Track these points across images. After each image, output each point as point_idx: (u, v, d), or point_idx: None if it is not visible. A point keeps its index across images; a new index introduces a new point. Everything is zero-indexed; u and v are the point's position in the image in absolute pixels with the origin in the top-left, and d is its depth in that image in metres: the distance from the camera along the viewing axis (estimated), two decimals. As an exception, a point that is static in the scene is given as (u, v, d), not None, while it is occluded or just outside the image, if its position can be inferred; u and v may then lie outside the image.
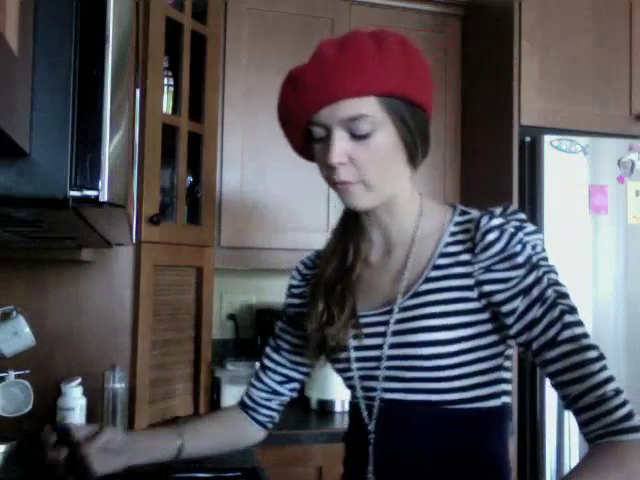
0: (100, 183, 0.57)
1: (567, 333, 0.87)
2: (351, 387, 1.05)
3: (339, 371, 1.07)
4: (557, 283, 0.91)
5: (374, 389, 1.00)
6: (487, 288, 0.92)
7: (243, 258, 2.18)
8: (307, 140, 0.98)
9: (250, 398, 1.20)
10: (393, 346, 0.97)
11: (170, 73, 2.00)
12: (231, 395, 2.02)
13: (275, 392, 1.19)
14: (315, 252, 1.18)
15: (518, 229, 0.93)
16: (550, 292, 0.89)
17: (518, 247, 0.90)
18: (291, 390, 1.20)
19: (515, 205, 2.03)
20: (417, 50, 0.96)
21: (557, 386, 0.89)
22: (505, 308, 0.91)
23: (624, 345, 2.03)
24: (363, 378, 1.01)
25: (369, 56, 0.90)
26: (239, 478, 1.51)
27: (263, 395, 1.19)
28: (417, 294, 0.96)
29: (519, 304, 0.90)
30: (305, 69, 0.94)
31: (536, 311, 0.89)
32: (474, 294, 0.93)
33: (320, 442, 1.86)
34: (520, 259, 0.90)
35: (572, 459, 1.95)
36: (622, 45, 2.20)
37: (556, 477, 1.96)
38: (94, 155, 0.56)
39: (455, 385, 0.94)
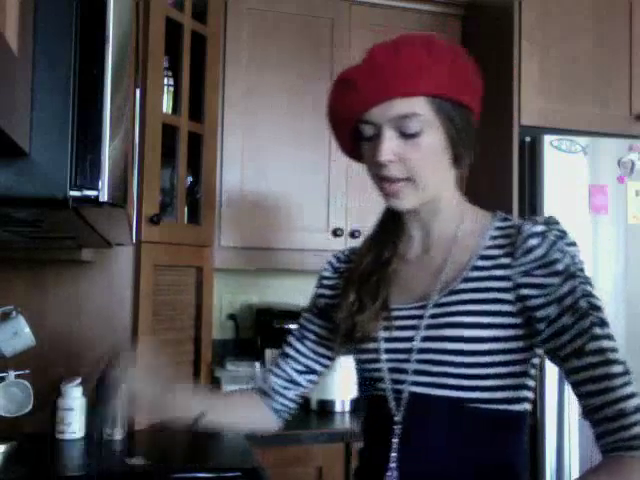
0: (100, 183, 0.56)
1: (594, 345, 0.88)
2: (377, 379, 1.05)
3: (366, 362, 1.06)
4: (591, 295, 0.91)
5: (403, 381, 1.00)
6: (524, 292, 0.93)
7: (243, 258, 2.17)
8: (356, 140, 1.01)
9: (267, 384, 1.20)
10: (425, 339, 0.97)
11: (170, 73, 2.00)
12: (231, 395, 2.01)
13: (293, 382, 1.19)
14: (351, 248, 1.19)
15: (559, 238, 0.94)
16: (583, 303, 0.90)
17: (558, 254, 0.92)
18: (309, 382, 1.20)
19: (515, 205, 2.03)
20: (465, 54, 1.00)
21: (579, 396, 0.90)
22: (539, 313, 0.92)
23: (624, 345, 2.01)
24: (392, 370, 1.02)
25: (421, 58, 0.93)
26: (239, 478, 1.51)
27: (281, 383, 1.19)
28: (454, 292, 0.97)
29: (552, 311, 0.91)
30: (357, 71, 0.98)
31: (567, 319, 0.90)
32: (511, 297, 0.94)
33: (320, 442, 1.86)
34: (559, 266, 0.91)
35: (572, 459, 1.96)
36: (622, 45, 2.20)
37: (556, 477, 1.96)
38: (94, 155, 0.56)
39: (481, 384, 0.94)
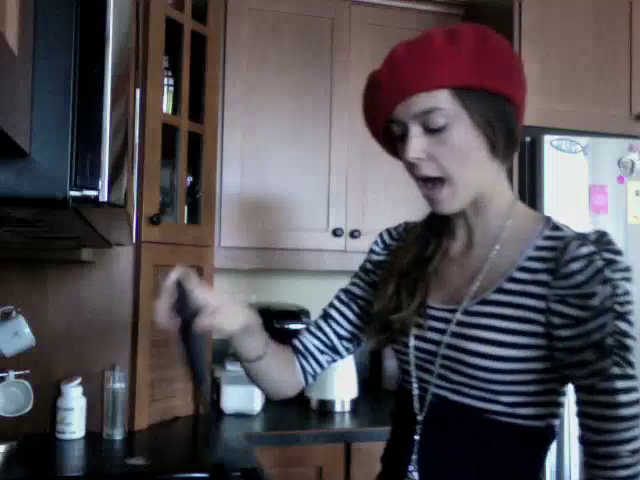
0: (100, 183, 0.56)
1: (607, 385, 0.85)
2: (406, 372, 1.04)
3: (398, 353, 1.06)
4: (623, 333, 0.86)
5: (428, 382, 0.99)
6: (555, 320, 0.89)
7: (243, 258, 2.17)
8: (393, 140, 0.99)
9: (302, 344, 1.16)
10: (448, 347, 0.96)
11: (170, 73, 2.00)
12: (231, 395, 2.02)
13: (332, 347, 1.15)
14: (404, 225, 1.16)
15: (607, 264, 0.87)
16: (610, 341, 0.85)
17: (598, 287, 0.85)
18: (346, 350, 1.16)
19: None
20: (499, 39, 0.94)
21: (580, 423, 0.89)
22: (563, 344, 0.88)
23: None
24: (419, 368, 1.01)
25: (439, 49, 0.89)
26: (239, 478, 1.51)
27: (317, 344, 1.15)
28: (485, 302, 0.94)
29: (576, 344, 0.87)
30: (378, 72, 0.97)
31: (589, 355, 0.86)
32: (543, 318, 0.90)
33: (320, 442, 1.86)
34: (596, 301, 0.85)
35: (572, 461, 1.95)
36: (622, 45, 2.20)
37: (556, 477, 1.96)
38: (94, 155, 0.56)
39: (500, 399, 0.93)
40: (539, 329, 0.90)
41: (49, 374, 1.78)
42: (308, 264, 2.19)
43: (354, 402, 2.12)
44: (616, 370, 0.85)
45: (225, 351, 2.08)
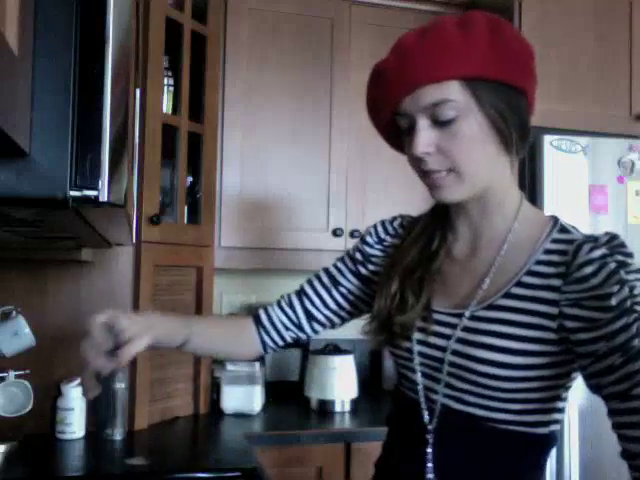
0: (100, 183, 0.56)
1: None
2: (409, 379, 1.01)
3: (399, 358, 1.02)
4: None
5: (436, 391, 0.96)
6: (570, 324, 0.85)
7: (243, 258, 2.17)
8: (398, 134, 0.95)
9: (268, 317, 1.14)
10: (455, 353, 0.92)
11: (170, 73, 2.00)
12: (231, 395, 2.02)
13: (298, 325, 1.13)
14: (400, 220, 1.12)
15: (620, 265, 0.83)
16: (637, 342, 0.81)
17: (615, 288, 0.82)
18: (314, 331, 1.15)
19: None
20: (512, 28, 0.91)
21: (619, 437, 0.83)
22: (584, 349, 0.84)
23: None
24: (425, 376, 0.98)
25: (449, 39, 0.86)
26: (239, 478, 1.51)
27: (284, 320, 1.13)
28: (492, 307, 0.91)
29: (600, 347, 0.82)
30: (385, 61, 0.92)
31: (616, 359, 0.81)
32: (554, 324, 0.86)
33: (320, 442, 1.86)
34: (613, 301, 0.81)
35: (572, 460, 1.95)
36: (622, 45, 2.20)
37: (556, 477, 1.96)
38: (94, 155, 0.56)
39: (507, 407, 0.90)
40: (550, 335, 0.87)
41: (49, 374, 1.78)
42: (308, 264, 2.19)
43: (354, 402, 2.12)
44: None
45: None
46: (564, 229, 0.93)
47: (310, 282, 1.15)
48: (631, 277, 0.84)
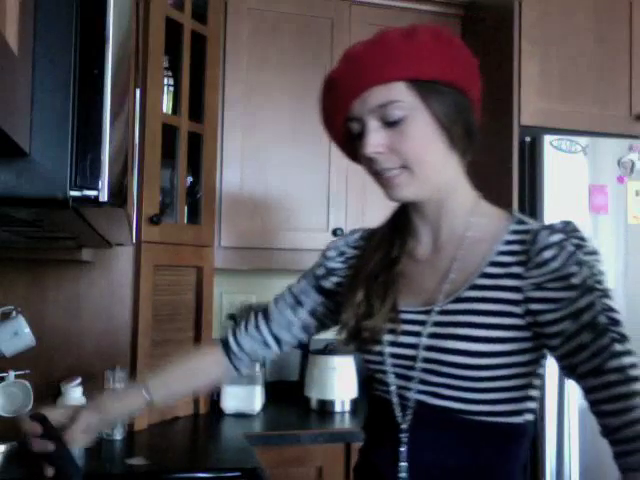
0: (100, 183, 0.56)
1: (614, 363, 0.83)
2: (382, 382, 1.02)
3: (370, 363, 1.04)
4: (611, 309, 0.86)
5: (409, 389, 0.97)
6: (535, 307, 0.88)
7: (243, 258, 2.18)
8: (351, 142, 0.98)
9: (238, 344, 1.17)
10: (428, 348, 0.94)
11: (170, 73, 2.01)
12: (231, 395, 2.02)
13: (267, 345, 1.16)
14: (360, 232, 1.14)
15: (577, 248, 0.88)
16: (602, 318, 0.84)
17: (575, 267, 0.86)
18: (281, 350, 1.18)
19: (515, 205, 2.03)
20: (454, 37, 0.96)
21: (596, 414, 0.85)
22: (552, 329, 0.87)
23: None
24: (398, 376, 0.99)
25: (393, 43, 0.90)
26: (239, 478, 1.51)
27: (253, 345, 1.16)
28: (460, 299, 0.93)
29: (568, 327, 0.86)
30: (334, 70, 0.97)
31: (585, 336, 0.85)
32: (520, 310, 0.90)
33: (320, 442, 1.86)
34: (575, 280, 0.86)
35: (572, 459, 1.95)
36: (622, 45, 2.20)
37: (556, 477, 1.96)
38: (94, 155, 0.56)
39: (482, 397, 0.92)
40: (517, 322, 0.90)
41: (49, 374, 1.78)
42: (308, 264, 2.18)
43: (354, 402, 2.12)
44: (618, 347, 0.83)
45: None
46: (521, 221, 0.96)
47: (276, 302, 1.18)
48: (589, 258, 0.88)
